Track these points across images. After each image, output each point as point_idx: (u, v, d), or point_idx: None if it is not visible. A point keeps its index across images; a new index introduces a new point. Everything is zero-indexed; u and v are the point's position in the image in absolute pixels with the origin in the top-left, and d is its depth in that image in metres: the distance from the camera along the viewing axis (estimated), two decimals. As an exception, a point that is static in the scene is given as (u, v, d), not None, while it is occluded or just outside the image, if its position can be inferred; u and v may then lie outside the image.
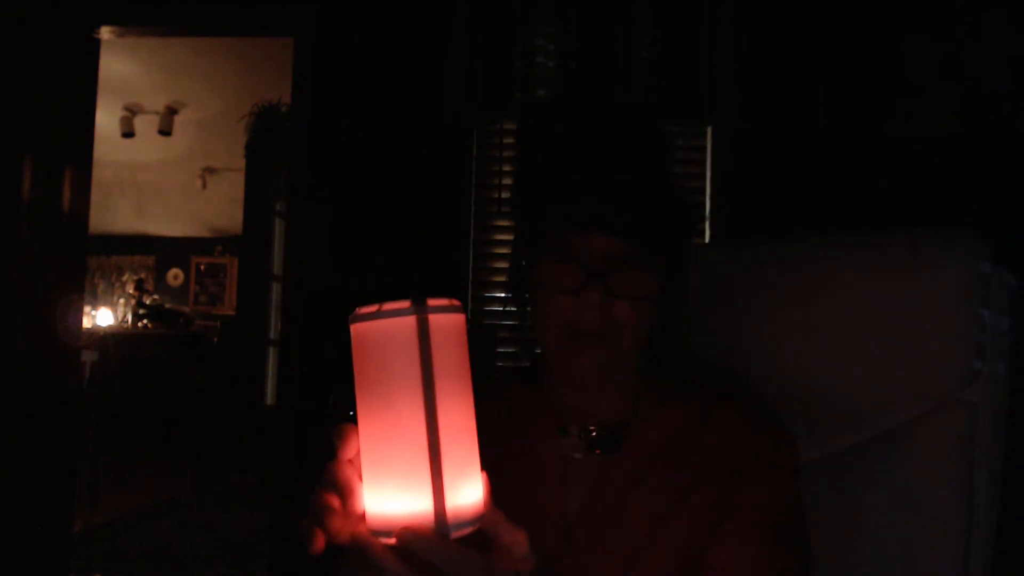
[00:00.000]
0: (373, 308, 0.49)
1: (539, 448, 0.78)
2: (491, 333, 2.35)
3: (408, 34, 2.46)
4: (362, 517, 0.50)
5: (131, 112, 5.03)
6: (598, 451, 0.77)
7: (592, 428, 0.78)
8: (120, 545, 3.35)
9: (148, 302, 6.35)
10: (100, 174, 2.91)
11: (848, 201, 2.22)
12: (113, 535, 3.48)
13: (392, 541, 0.47)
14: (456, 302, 0.50)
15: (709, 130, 2.38)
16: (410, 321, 0.48)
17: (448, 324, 0.49)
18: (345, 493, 0.50)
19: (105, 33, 2.68)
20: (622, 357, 0.73)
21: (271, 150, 4.52)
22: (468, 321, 0.51)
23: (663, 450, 0.75)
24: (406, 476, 0.47)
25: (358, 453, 0.51)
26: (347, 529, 0.49)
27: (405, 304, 0.48)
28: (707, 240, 2.31)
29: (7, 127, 2.51)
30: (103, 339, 4.77)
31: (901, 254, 0.83)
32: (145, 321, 6.02)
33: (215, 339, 5.37)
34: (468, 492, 0.49)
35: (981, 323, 0.78)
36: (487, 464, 0.51)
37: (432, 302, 0.48)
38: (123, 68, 4.26)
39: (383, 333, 0.48)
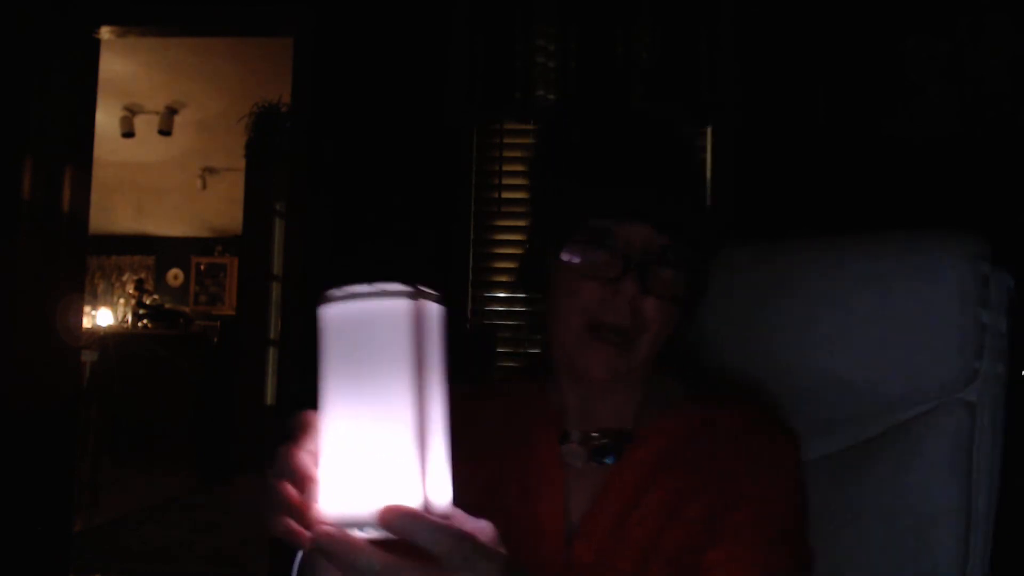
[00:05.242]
0: (358, 288, 0.46)
1: (541, 453, 0.76)
2: (491, 333, 2.35)
3: (408, 34, 2.46)
4: (318, 513, 0.47)
5: (131, 112, 5.03)
6: (599, 460, 0.75)
7: (595, 434, 0.76)
8: (120, 545, 3.35)
9: (148, 302, 6.35)
10: (100, 174, 2.91)
11: (848, 201, 2.22)
12: (113, 535, 3.48)
13: (369, 534, 0.45)
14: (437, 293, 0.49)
15: (709, 130, 2.38)
16: (406, 304, 0.46)
17: (435, 313, 0.48)
18: (305, 484, 0.48)
19: (105, 33, 2.68)
20: (637, 360, 0.72)
21: (271, 150, 4.51)
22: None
23: (665, 460, 0.74)
24: (391, 462, 0.45)
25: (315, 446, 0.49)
26: (305, 525, 0.47)
27: (397, 287, 0.46)
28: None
29: (7, 127, 2.51)
30: (103, 339, 4.77)
31: (901, 254, 0.83)
32: (145, 321, 6.02)
33: (215, 339, 5.38)
34: (444, 483, 0.48)
35: (980, 323, 0.78)
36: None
37: (423, 288, 0.47)
38: (123, 68, 4.26)
39: (378, 315, 0.46)
